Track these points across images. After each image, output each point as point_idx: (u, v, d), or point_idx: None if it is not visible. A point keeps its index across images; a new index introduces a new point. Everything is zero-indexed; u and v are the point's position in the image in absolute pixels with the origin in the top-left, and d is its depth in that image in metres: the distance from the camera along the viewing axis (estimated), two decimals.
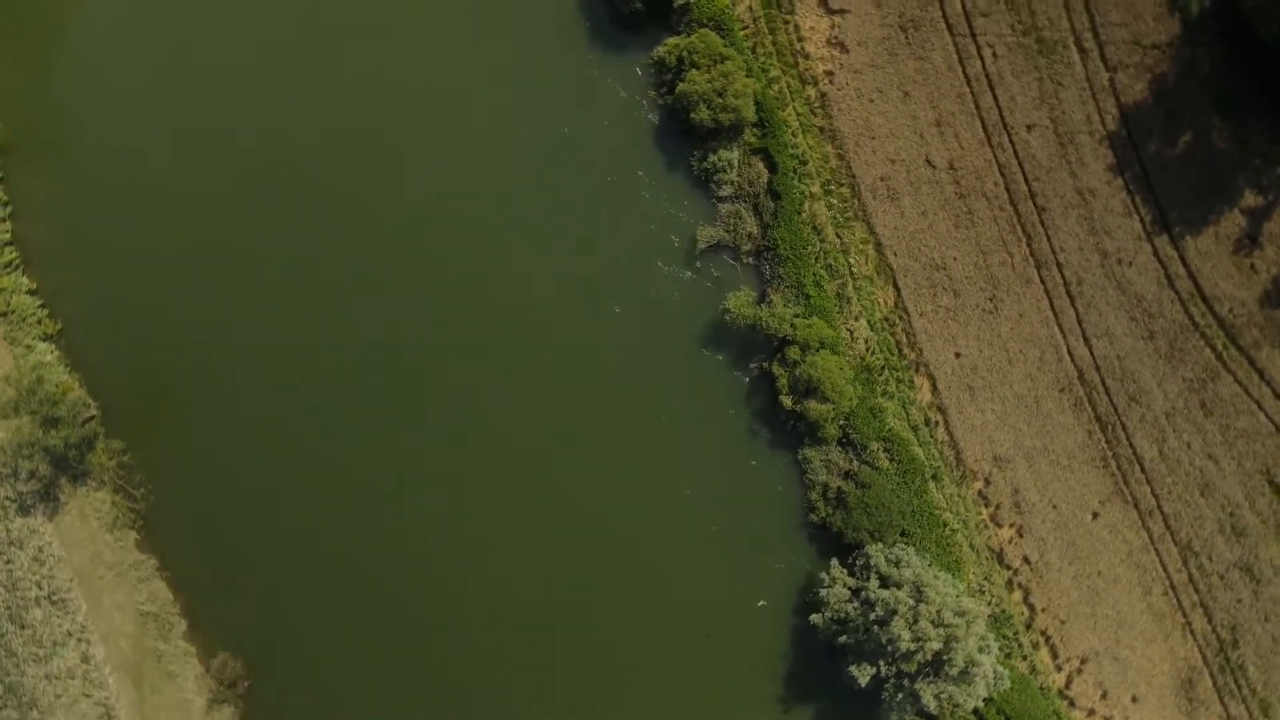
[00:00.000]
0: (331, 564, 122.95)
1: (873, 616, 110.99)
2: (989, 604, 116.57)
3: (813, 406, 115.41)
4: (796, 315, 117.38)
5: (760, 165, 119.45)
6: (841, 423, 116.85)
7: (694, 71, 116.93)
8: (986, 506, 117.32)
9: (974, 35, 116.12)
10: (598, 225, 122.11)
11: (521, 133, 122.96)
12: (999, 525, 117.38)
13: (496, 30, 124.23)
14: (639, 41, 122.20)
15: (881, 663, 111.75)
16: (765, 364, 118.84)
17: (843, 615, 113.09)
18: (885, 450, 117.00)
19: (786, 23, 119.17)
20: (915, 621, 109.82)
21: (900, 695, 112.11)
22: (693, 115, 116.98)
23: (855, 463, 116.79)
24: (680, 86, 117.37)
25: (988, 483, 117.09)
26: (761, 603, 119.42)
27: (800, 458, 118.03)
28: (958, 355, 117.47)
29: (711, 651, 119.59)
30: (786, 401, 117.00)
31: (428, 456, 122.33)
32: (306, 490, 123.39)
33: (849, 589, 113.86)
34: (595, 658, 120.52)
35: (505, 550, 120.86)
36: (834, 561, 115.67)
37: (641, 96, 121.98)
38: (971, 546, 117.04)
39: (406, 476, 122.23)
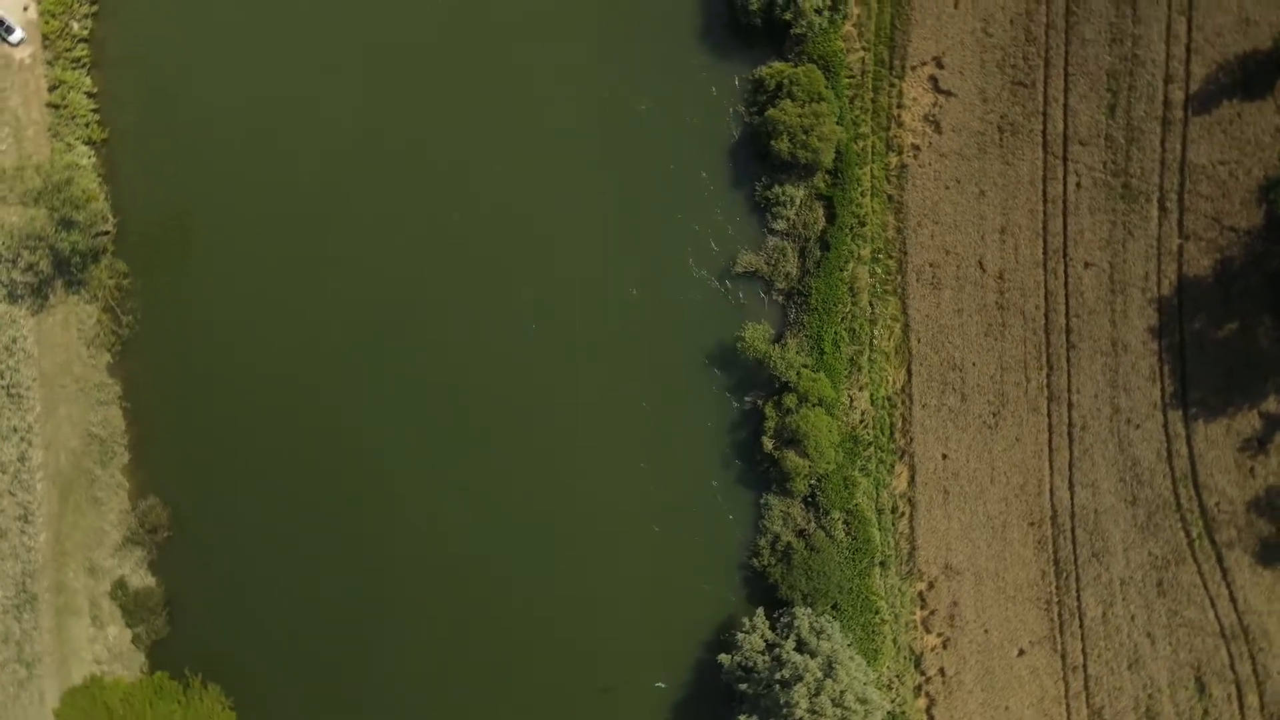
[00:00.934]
0: (284, 454, 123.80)
1: (779, 675, 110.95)
2: (892, 701, 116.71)
3: (791, 457, 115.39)
4: (805, 366, 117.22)
5: (820, 212, 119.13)
6: (813, 482, 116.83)
7: (788, 101, 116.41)
8: (922, 609, 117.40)
9: (1066, 159, 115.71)
10: (644, 203, 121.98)
11: (600, 96, 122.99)
12: (928, 631, 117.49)
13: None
14: (746, 54, 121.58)
15: None
16: (760, 401, 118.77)
17: (751, 664, 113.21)
18: (845, 523, 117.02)
19: (892, 85, 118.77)
20: (817, 694, 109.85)
21: None
22: (773, 142, 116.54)
23: (813, 525, 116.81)
24: (770, 111, 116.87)
25: (931, 587, 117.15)
26: (660, 684, 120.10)
27: (762, 501, 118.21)
28: (944, 456, 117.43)
29: (619, 652, 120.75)
30: (768, 443, 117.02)
31: (405, 369, 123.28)
32: (283, 382, 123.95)
33: (766, 642, 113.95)
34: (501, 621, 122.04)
35: (464, 495, 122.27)
36: (760, 611, 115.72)
37: (731, 106, 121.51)
38: (895, 642, 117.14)
39: (385, 403, 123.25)
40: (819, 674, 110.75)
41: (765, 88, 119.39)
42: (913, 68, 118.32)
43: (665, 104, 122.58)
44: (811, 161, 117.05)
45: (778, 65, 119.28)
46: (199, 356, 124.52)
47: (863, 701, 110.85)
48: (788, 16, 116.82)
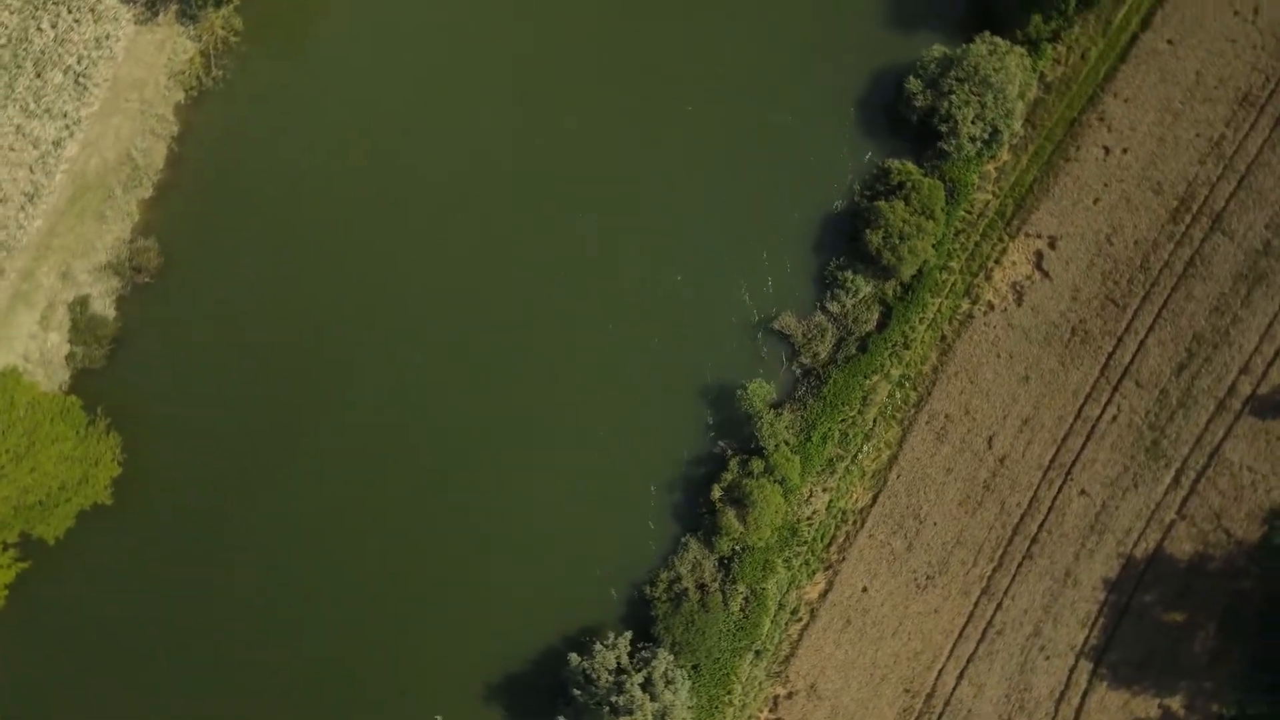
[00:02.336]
0: (290, 275, 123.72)
1: (614, 700, 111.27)
2: None
3: (729, 516, 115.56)
4: (787, 443, 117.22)
5: (875, 316, 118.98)
6: (737, 548, 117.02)
7: (901, 203, 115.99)
8: (771, 712, 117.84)
9: (1116, 390, 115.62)
10: (730, 208, 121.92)
11: (744, 101, 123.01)
12: None
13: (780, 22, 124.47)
14: (888, 139, 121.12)
15: None
16: (730, 451, 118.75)
17: (595, 677, 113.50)
18: (745, 600, 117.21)
19: (1000, 240, 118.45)
20: None
21: None
22: (868, 231, 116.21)
23: (716, 585, 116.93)
24: (881, 203, 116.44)
25: (789, 696, 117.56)
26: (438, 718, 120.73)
27: (684, 540, 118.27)
28: (864, 590, 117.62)
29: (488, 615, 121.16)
30: (717, 491, 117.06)
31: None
32: (323, 220, 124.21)
33: (618, 664, 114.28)
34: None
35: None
36: (628, 635, 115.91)
37: (852, 177, 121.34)
38: None
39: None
40: (652, 706, 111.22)
41: (888, 179, 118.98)
42: (1027, 234, 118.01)
43: (796, 134, 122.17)
44: (892, 266, 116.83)
45: (910, 166, 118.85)
46: (259, 148, 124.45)
47: None
48: (942, 129, 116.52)
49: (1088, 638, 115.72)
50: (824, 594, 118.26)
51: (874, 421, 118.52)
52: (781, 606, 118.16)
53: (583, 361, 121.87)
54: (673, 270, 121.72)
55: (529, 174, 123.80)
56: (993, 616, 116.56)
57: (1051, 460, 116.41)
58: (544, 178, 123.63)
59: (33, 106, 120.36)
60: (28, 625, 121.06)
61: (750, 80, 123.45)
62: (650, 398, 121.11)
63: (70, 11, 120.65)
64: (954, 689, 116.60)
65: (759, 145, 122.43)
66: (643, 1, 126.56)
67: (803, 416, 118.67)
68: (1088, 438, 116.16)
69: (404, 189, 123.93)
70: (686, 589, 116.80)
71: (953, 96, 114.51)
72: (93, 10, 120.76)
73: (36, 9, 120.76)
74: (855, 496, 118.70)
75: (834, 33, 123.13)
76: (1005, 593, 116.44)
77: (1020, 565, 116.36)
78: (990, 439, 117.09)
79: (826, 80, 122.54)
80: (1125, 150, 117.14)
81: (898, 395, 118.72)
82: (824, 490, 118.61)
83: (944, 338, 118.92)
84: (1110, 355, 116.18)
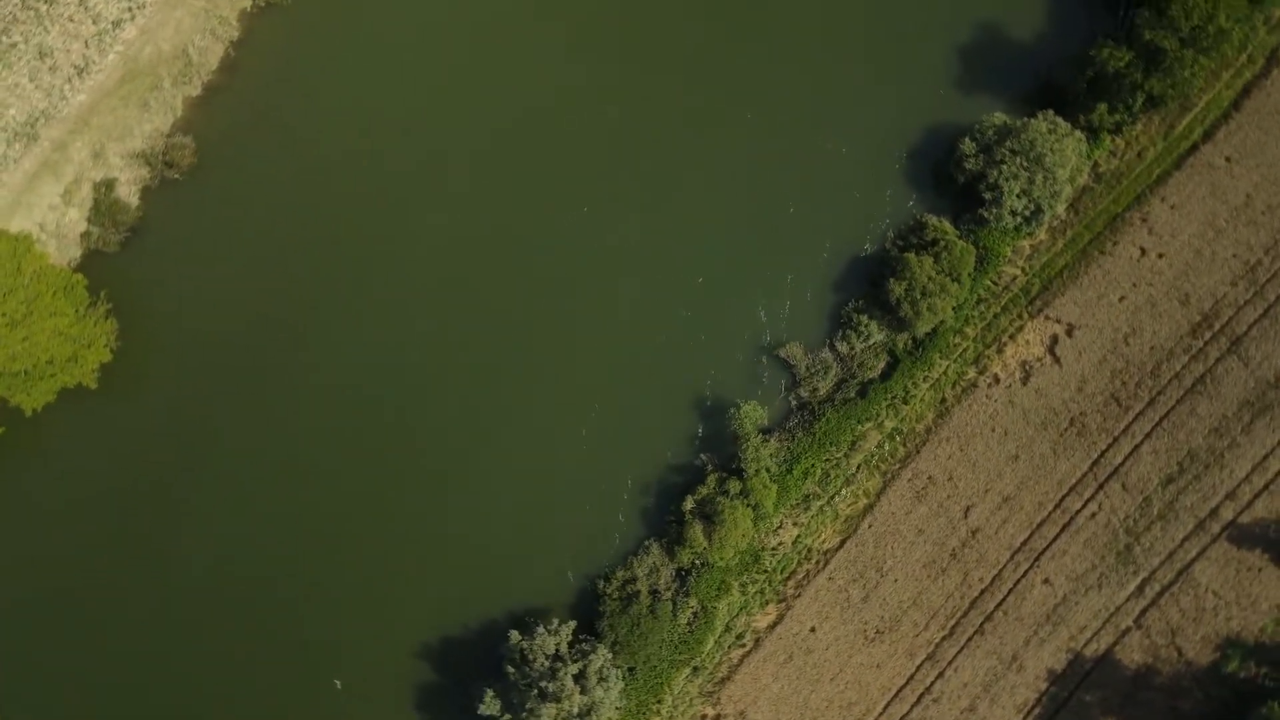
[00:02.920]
0: (327, 216, 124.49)
1: (546, 685, 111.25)
2: None
3: (696, 530, 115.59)
4: (768, 470, 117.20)
5: (881, 364, 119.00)
6: (697, 562, 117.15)
7: (930, 259, 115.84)
8: None
9: (1101, 485, 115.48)
10: (749, 220, 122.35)
11: (783, 121, 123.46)
12: None
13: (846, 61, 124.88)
14: (933, 196, 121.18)
15: (509, 716, 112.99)
16: (710, 467, 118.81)
17: (531, 658, 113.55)
18: (694, 615, 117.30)
19: (1019, 318, 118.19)
20: None
21: None
22: (892, 280, 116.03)
23: (668, 595, 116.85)
24: (910, 255, 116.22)
25: (717, 718, 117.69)
26: (338, 683, 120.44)
27: (647, 543, 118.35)
28: (812, 630, 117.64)
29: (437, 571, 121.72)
30: (689, 503, 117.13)
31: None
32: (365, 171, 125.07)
33: (556, 650, 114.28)
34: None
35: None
36: (573, 623, 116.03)
37: (884, 220, 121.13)
38: None
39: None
40: (575, 711, 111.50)
41: (922, 233, 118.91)
42: (1047, 316, 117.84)
43: (846, 165, 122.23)
44: (909, 320, 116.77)
45: (946, 225, 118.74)
46: (313, 71, 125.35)
47: None
48: (986, 196, 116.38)
49: None
50: (773, 625, 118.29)
51: (857, 468, 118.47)
52: (729, 629, 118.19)
53: (589, 344, 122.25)
54: (696, 272, 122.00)
55: (571, 155, 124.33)
56: (932, 683, 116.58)
57: (1023, 543, 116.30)
58: (588, 162, 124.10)
59: None
60: None
61: (814, 102, 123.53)
62: (647, 394, 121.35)
63: None
64: None
65: (807, 168, 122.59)
66: (725, 10, 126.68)
67: (789, 448, 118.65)
68: (1063, 529, 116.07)
69: (449, 141, 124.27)
70: (639, 591, 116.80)
71: (1003, 166, 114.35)
72: None
73: None
74: (824, 537, 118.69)
75: (904, 76, 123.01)
76: (950, 663, 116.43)
77: (970, 639, 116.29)
78: (968, 509, 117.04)
79: (886, 120, 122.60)
80: (1161, 255, 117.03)
81: (886, 447, 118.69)
82: (794, 524, 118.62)
83: (944, 400, 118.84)
84: (1103, 453, 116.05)
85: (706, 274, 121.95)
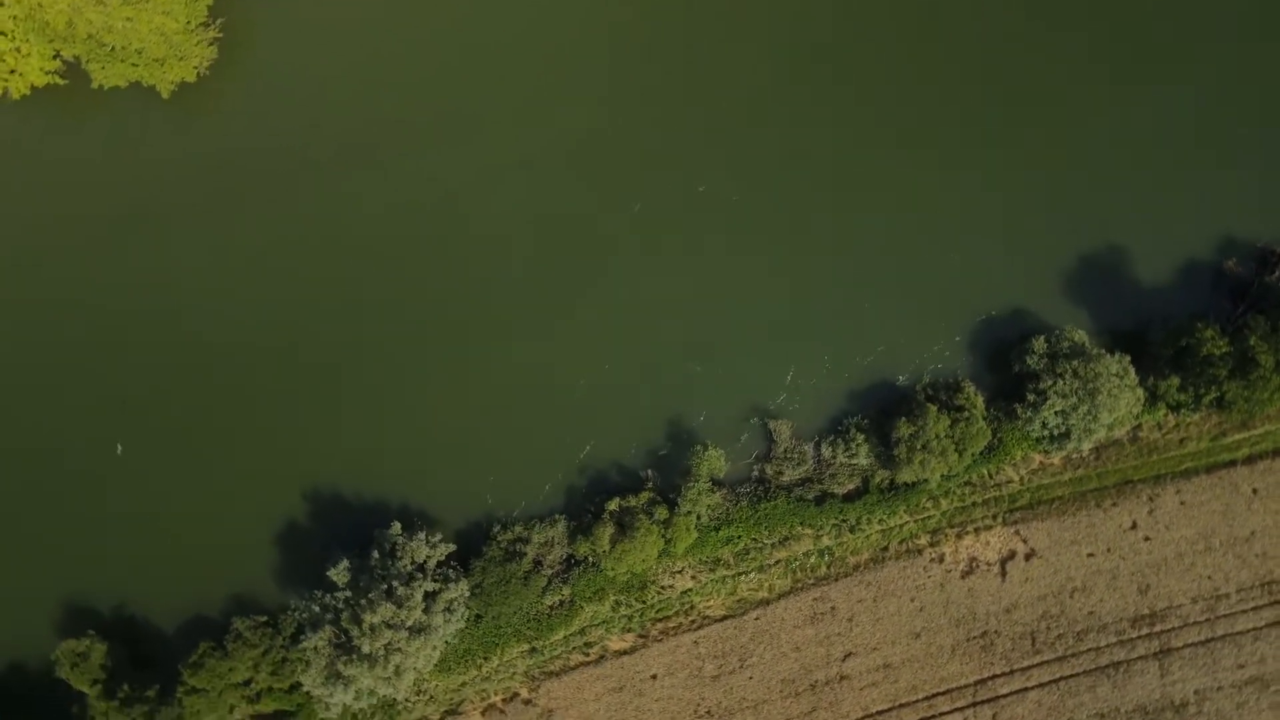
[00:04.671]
0: None
1: (396, 587, 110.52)
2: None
3: (605, 532, 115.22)
4: (698, 517, 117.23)
5: (849, 486, 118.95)
6: (591, 560, 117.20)
7: (947, 421, 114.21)
8: (503, 701, 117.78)
9: (975, 704, 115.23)
10: (815, 286, 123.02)
11: (898, 216, 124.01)
12: (482, 714, 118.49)
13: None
14: (982, 360, 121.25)
15: (329, 628, 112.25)
16: (650, 484, 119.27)
17: (399, 556, 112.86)
18: (560, 603, 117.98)
19: (992, 519, 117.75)
20: (388, 654, 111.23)
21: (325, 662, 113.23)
22: (903, 418, 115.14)
23: (550, 573, 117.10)
24: (931, 406, 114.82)
25: (526, 703, 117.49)
26: (119, 448, 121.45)
27: (555, 516, 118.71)
28: (654, 677, 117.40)
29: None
30: (613, 504, 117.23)
31: None
32: None
33: (423, 562, 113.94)
34: None
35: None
36: (452, 546, 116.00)
37: (930, 365, 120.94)
38: (463, 687, 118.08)
39: None
40: (408, 623, 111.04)
41: (954, 394, 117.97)
42: (1017, 532, 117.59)
43: (929, 287, 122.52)
44: (898, 461, 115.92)
45: (979, 400, 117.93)
46: None
47: (398, 673, 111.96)
48: (1029, 397, 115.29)
49: None
50: (622, 653, 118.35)
51: (775, 562, 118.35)
52: (582, 633, 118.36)
53: (616, 315, 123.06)
54: (744, 312, 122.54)
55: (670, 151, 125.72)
56: None
57: (879, 713, 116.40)
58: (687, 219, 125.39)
59: None
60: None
61: (936, 234, 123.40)
62: (648, 393, 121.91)
63: None
64: None
65: (902, 277, 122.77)
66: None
67: (728, 509, 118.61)
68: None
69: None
70: (525, 555, 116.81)
71: (1059, 381, 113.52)
72: None
73: None
74: (711, 604, 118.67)
75: (1027, 255, 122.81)
76: None
77: None
78: (848, 654, 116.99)
79: (989, 281, 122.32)
80: (1147, 539, 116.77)
81: (811, 560, 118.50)
82: (693, 577, 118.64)
83: (886, 549, 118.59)
84: (993, 677, 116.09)
85: (752, 316, 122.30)
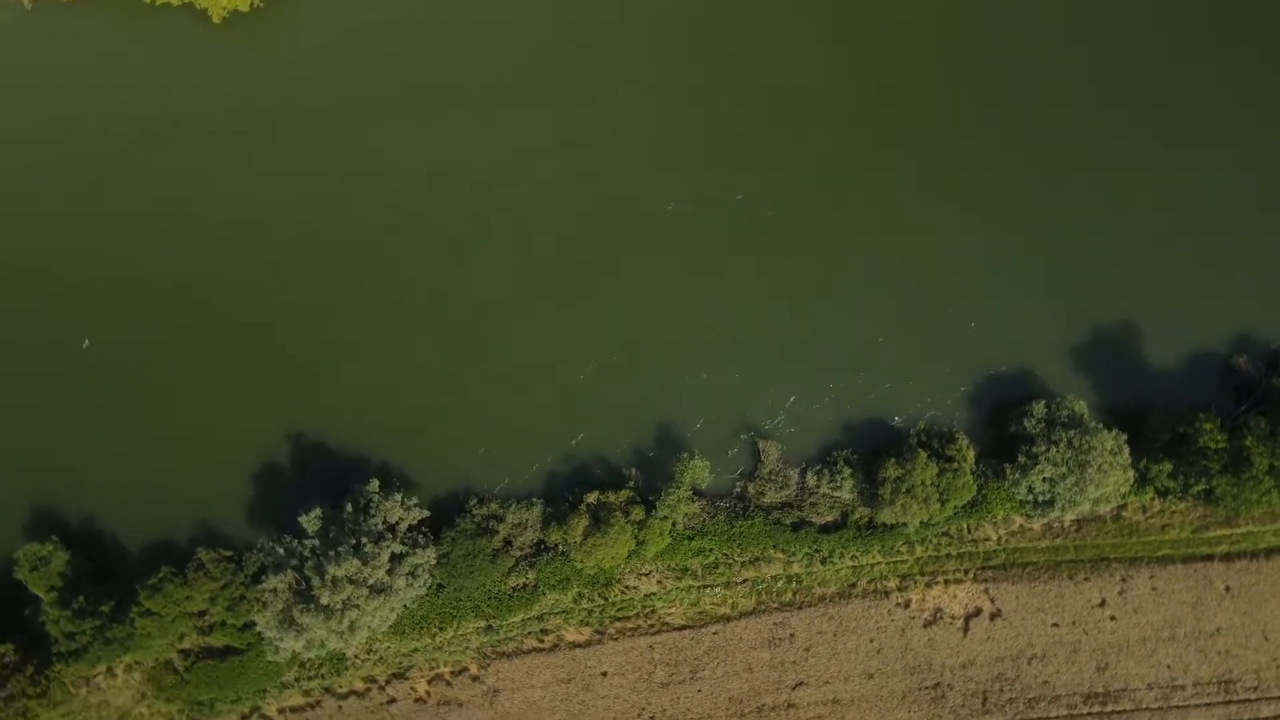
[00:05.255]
0: None
1: (364, 544, 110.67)
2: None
3: (579, 524, 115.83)
4: (674, 524, 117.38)
5: (829, 516, 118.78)
6: (560, 548, 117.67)
7: (935, 470, 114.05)
8: (451, 674, 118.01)
9: None
10: (836, 315, 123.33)
11: (935, 265, 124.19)
12: (428, 684, 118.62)
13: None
14: (982, 415, 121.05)
15: (292, 573, 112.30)
16: (632, 483, 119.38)
17: (373, 514, 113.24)
18: (524, 587, 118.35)
19: (964, 574, 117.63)
20: (345, 609, 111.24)
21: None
22: (892, 459, 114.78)
23: (516, 555, 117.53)
24: (922, 452, 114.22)
25: (474, 680, 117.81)
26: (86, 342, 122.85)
27: (532, 499, 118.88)
28: (604, 674, 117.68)
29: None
30: (592, 496, 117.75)
31: None
32: None
33: (394, 524, 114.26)
34: None
35: None
36: (426, 513, 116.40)
37: (928, 412, 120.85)
38: (416, 652, 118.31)
39: None
40: (369, 581, 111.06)
41: (946, 445, 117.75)
42: (986, 590, 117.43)
43: (949, 344, 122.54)
44: (880, 502, 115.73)
45: (970, 454, 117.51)
46: None
47: (352, 629, 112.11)
48: (1020, 459, 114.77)
49: None
50: (577, 645, 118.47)
51: (743, 581, 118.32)
52: (541, 619, 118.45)
53: (631, 308, 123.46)
54: (758, 328, 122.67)
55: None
56: None
57: None
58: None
59: None
60: None
61: (960, 266, 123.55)
62: (650, 392, 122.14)
63: None
64: None
65: (912, 311, 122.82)
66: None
67: (703, 521, 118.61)
68: None
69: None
70: (496, 532, 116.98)
71: (1053, 449, 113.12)
72: None
73: None
74: (672, 611, 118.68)
75: (1043, 319, 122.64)
76: None
77: None
78: (800, 683, 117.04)
79: (1004, 341, 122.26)
80: (1114, 618, 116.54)
81: (778, 584, 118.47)
82: (658, 582, 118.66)
83: (854, 585, 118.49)
84: None
85: (768, 334, 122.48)
